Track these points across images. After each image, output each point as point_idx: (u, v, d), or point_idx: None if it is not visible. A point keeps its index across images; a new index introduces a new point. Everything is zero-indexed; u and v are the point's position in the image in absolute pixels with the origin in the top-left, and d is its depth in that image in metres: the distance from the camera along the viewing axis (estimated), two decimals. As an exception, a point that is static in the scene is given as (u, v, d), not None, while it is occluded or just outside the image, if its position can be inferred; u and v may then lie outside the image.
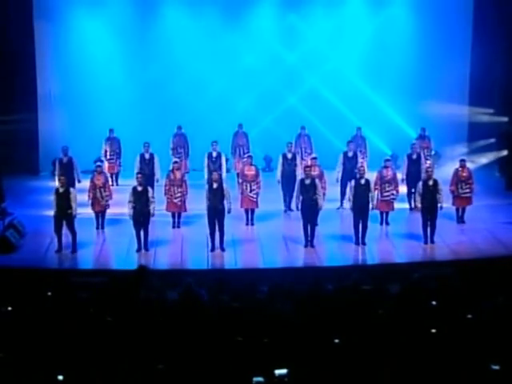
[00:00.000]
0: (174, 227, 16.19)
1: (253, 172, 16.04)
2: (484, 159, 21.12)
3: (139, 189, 15.13)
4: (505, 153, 20.96)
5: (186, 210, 16.13)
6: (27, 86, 20.67)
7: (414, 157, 17.61)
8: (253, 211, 16.26)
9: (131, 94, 21.10)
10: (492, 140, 21.47)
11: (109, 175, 17.99)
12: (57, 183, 15.38)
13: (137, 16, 21.16)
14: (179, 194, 15.90)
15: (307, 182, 15.19)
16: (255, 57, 21.33)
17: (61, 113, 21.04)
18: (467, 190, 16.42)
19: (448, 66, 21.36)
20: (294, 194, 15.60)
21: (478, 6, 21.32)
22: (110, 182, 17.55)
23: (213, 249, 15.03)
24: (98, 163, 16.83)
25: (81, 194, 16.01)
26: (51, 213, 15.13)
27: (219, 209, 15.03)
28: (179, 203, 15.95)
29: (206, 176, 17.35)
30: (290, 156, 17.48)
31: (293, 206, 16.10)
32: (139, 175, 15.54)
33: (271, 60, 21.41)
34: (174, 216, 16.17)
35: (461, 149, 21.34)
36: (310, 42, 21.52)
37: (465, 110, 21.85)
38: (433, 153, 19.75)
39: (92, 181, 15.99)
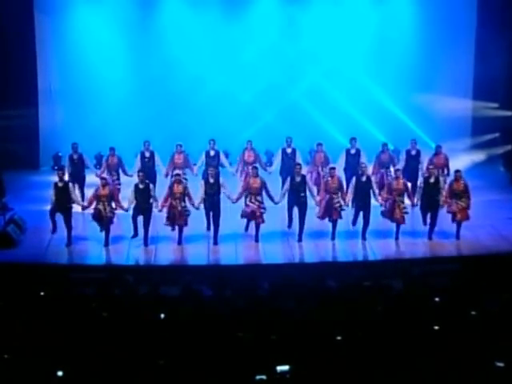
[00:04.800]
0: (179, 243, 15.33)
1: (258, 185, 15.22)
2: (488, 154, 21.01)
3: (141, 186, 15.08)
4: (509, 147, 20.87)
5: (186, 224, 15.25)
6: (28, 81, 20.57)
7: (413, 153, 17.40)
8: (258, 226, 15.27)
9: (132, 89, 20.98)
10: (496, 134, 21.40)
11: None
12: (58, 182, 15.25)
13: (137, 10, 21.02)
14: (179, 208, 15.07)
15: (297, 179, 15.20)
16: (256, 51, 21.18)
17: (61, 107, 20.96)
18: (462, 204, 15.19)
19: (452, 60, 21.29)
20: (281, 191, 15.44)
21: (483, -1, 21.25)
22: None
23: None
24: (103, 175, 16.06)
25: (88, 190, 16.06)
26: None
27: (215, 201, 15.07)
28: (179, 217, 15.09)
29: (195, 170, 17.25)
30: (289, 151, 17.30)
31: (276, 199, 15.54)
32: (141, 173, 15.42)
33: (273, 54, 21.25)
34: (174, 230, 15.33)
35: (465, 143, 21.28)
36: (312, 35, 21.35)
37: (469, 104, 21.74)
38: (392, 148, 19.37)
39: (96, 193, 15.16)
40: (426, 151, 17.79)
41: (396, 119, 21.36)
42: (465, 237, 15.49)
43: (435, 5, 21.29)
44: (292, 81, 21.42)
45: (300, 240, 15.27)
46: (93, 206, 15.17)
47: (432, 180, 15.33)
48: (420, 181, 15.56)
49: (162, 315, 10.15)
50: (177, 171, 16.22)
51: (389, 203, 15.33)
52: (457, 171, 15.50)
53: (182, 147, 17.33)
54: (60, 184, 15.15)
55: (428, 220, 15.46)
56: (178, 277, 12.97)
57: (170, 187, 15.14)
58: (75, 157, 17.26)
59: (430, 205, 15.26)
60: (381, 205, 15.50)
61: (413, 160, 17.30)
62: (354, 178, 15.43)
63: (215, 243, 15.16)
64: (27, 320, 9.82)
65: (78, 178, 16.57)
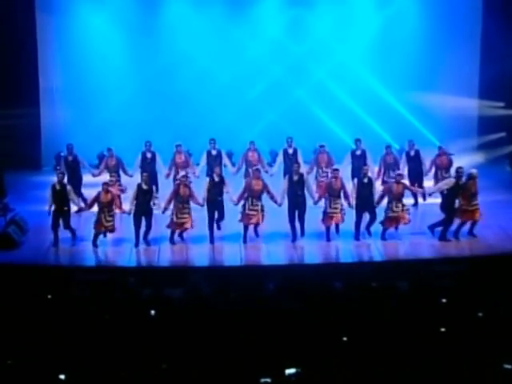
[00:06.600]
0: (172, 242, 15.22)
1: (260, 187, 15.05)
2: (494, 153, 20.90)
3: (144, 187, 14.98)
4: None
5: (192, 227, 15.15)
6: (29, 80, 20.57)
7: (412, 153, 17.35)
8: (256, 227, 15.28)
9: (135, 88, 20.93)
10: (503, 134, 21.34)
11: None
12: (56, 184, 15.24)
13: (141, 8, 20.99)
14: (186, 211, 14.94)
15: (295, 178, 15.11)
16: (261, 49, 21.15)
17: (63, 107, 20.93)
18: (476, 202, 15.14)
19: (458, 59, 21.25)
20: (280, 191, 15.29)
21: (488, -3, 21.19)
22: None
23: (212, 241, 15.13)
24: (106, 181, 15.67)
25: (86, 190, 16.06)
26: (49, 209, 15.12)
27: (218, 200, 15.06)
28: (185, 220, 14.97)
29: (199, 168, 17.27)
30: (290, 151, 17.32)
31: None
32: (145, 174, 15.36)
33: (277, 53, 21.25)
34: (173, 232, 15.17)
35: (471, 143, 21.18)
36: (316, 34, 21.33)
37: (475, 103, 21.69)
38: (398, 148, 19.23)
39: (98, 199, 14.94)
40: (432, 151, 17.67)
41: (402, 119, 21.30)
42: (470, 237, 15.39)
43: (440, 4, 21.25)
44: (297, 80, 21.37)
45: (302, 234, 15.16)
46: (91, 210, 15.09)
47: (460, 182, 15.10)
48: (449, 181, 15.33)
49: (165, 317, 10.03)
50: (182, 173, 16.07)
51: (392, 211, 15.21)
52: (471, 173, 15.23)
53: (182, 147, 17.26)
54: (58, 187, 15.11)
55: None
56: (182, 278, 12.87)
57: (176, 190, 14.99)
58: (70, 158, 17.19)
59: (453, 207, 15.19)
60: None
61: (412, 161, 17.26)
62: (355, 180, 15.40)
63: (211, 242, 15.10)
64: (28, 322, 9.71)
65: (75, 179, 16.49)
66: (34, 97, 20.71)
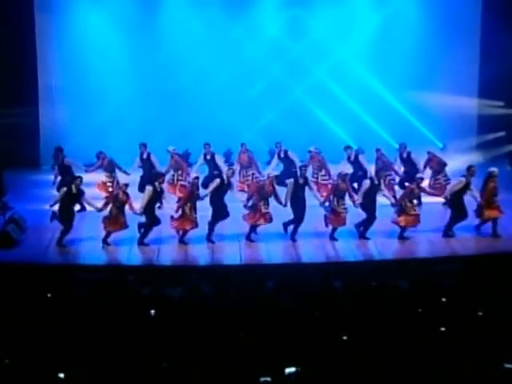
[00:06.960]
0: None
1: (271, 189, 15.21)
2: (494, 153, 20.89)
3: (159, 189, 15.07)
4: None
5: (197, 226, 15.24)
6: (28, 80, 20.55)
7: (404, 155, 17.56)
8: (253, 230, 15.36)
9: (134, 87, 20.90)
10: (502, 133, 21.33)
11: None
12: (73, 187, 15.10)
13: (140, 8, 20.94)
14: (195, 211, 15.04)
15: (301, 181, 15.19)
16: (260, 49, 21.11)
17: (62, 106, 20.89)
18: (497, 199, 15.52)
19: (457, 58, 21.21)
20: (285, 192, 15.31)
21: (487, -3, 21.17)
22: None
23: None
24: (124, 182, 15.63)
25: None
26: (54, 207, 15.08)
27: (223, 201, 15.14)
28: (195, 220, 15.09)
29: (195, 169, 17.40)
30: (282, 155, 17.60)
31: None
32: (162, 177, 15.45)
33: (276, 52, 21.20)
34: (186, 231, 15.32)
35: (470, 142, 21.17)
36: (315, 33, 21.28)
37: (474, 102, 21.67)
38: (397, 147, 19.25)
39: (115, 198, 15.02)
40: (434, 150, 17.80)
41: (401, 118, 21.29)
42: (472, 236, 15.47)
43: (440, 3, 21.21)
44: (296, 79, 21.33)
45: (294, 240, 15.18)
46: (107, 209, 15.04)
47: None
48: (459, 181, 15.42)
49: (165, 316, 10.02)
50: (195, 175, 16.11)
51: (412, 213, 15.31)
52: (493, 171, 15.48)
53: (171, 150, 17.32)
54: (74, 190, 15.04)
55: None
56: (181, 277, 12.86)
57: (192, 191, 15.09)
58: (59, 161, 17.15)
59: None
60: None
61: (405, 162, 17.51)
62: (368, 181, 15.34)
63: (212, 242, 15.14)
64: (28, 321, 9.69)
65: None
66: (33, 96, 20.69)
